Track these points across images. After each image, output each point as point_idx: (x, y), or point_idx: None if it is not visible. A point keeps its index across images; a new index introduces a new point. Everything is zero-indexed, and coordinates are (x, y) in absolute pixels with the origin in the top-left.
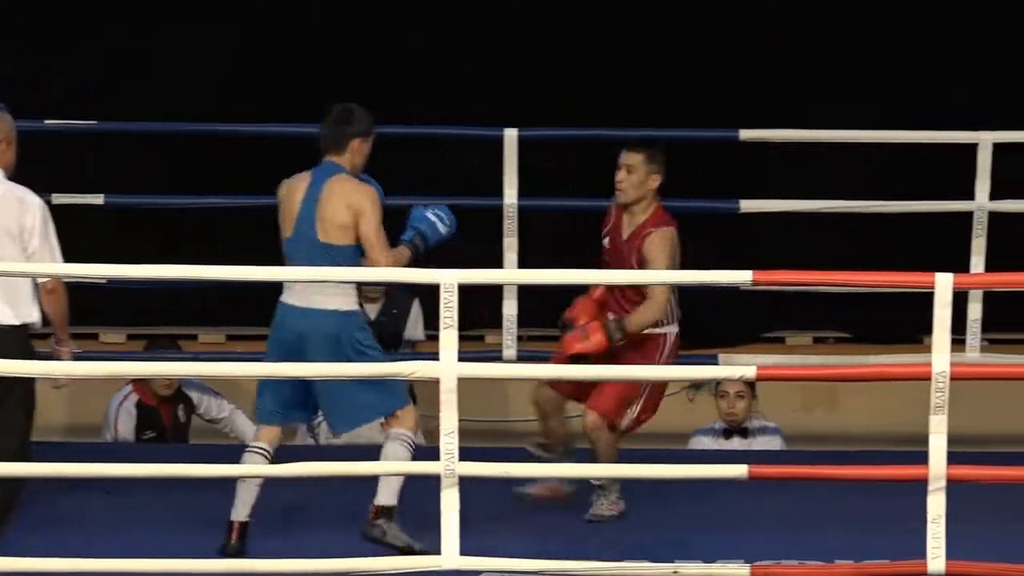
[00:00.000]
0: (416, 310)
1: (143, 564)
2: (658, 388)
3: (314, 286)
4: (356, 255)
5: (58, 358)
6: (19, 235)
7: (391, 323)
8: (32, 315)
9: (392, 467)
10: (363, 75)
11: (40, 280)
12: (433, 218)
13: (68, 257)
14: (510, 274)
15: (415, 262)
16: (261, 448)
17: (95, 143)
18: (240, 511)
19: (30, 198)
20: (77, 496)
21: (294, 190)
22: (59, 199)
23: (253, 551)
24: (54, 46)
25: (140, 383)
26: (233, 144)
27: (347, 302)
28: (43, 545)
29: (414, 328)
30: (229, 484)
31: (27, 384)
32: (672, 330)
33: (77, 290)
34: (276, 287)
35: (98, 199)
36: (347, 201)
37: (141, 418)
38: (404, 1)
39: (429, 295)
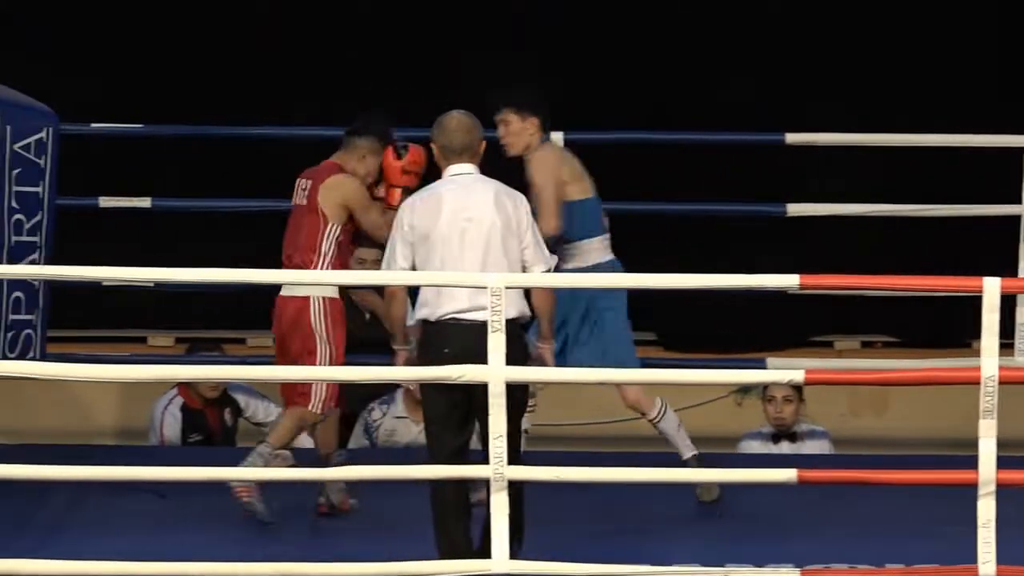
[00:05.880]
0: None
1: (189, 568)
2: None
3: None
4: None
5: (541, 357)
6: (516, 230)
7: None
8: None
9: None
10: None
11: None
12: None
13: (114, 260)
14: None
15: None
16: None
17: (139, 146)
18: None
19: (518, 194)
20: (128, 500)
21: None
22: (106, 202)
23: (308, 555)
24: (91, 50)
25: (185, 387)
26: (277, 146)
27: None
28: (93, 549)
29: None
30: (276, 486)
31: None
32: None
33: (124, 294)
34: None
35: (145, 202)
36: None
37: (187, 421)
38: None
39: None
